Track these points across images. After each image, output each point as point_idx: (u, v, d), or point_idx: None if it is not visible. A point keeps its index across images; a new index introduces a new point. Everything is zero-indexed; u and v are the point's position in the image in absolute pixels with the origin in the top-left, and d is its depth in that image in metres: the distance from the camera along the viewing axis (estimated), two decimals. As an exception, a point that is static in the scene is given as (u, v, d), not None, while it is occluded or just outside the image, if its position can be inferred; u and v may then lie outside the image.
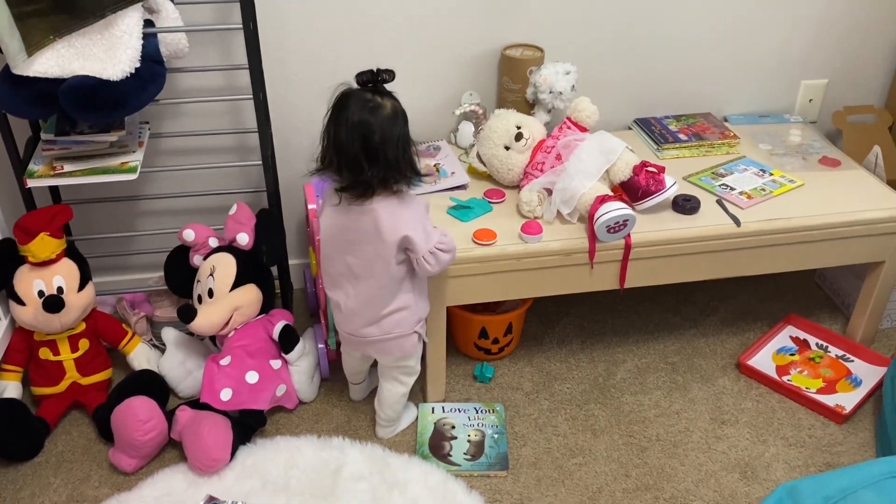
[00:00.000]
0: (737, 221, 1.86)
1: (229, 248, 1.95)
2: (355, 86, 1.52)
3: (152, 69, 1.72)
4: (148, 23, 1.70)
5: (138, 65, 1.65)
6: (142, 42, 1.65)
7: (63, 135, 1.82)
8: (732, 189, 1.98)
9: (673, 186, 1.83)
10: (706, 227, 1.84)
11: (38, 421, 1.82)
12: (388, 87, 1.54)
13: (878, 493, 1.22)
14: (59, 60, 1.61)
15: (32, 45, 1.58)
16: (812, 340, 2.13)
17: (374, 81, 1.50)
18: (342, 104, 1.50)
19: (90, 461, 1.81)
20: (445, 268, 1.64)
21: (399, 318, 1.65)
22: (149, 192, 2.13)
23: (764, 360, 2.07)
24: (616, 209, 1.72)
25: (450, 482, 1.74)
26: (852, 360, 2.06)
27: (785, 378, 2.01)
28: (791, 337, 2.15)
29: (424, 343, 1.77)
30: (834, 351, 2.10)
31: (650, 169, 1.83)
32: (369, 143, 1.48)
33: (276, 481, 1.73)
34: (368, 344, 1.70)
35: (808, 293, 2.35)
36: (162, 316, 2.11)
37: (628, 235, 1.79)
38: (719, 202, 1.93)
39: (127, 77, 1.65)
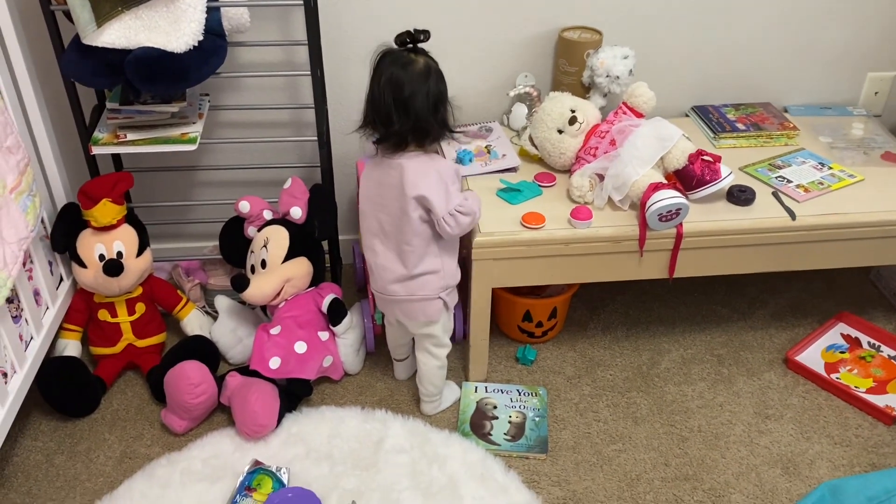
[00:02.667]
0: (792, 215, 1.83)
1: (283, 221, 1.99)
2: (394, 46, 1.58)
3: (214, 42, 1.76)
4: (211, -3, 1.73)
5: (201, 38, 1.69)
6: (205, 16, 1.68)
7: (127, 104, 1.87)
8: (789, 182, 1.94)
9: (729, 177, 1.80)
10: (760, 220, 1.81)
11: (95, 379, 1.90)
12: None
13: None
14: (126, 32, 1.66)
15: (102, 17, 1.62)
16: (864, 339, 2.09)
17: (411, 41, 1.55)
18: (379, 62, 1.57)
19: (143, 420, 1.88)
20: (467, 230, 1.66)
21: (424, 281, 1.68)
22: (206, 163, 2.17)
23: (813, 356, 2.04)
24: (669, 197, 1.70)
25: (488, 460, 1.76)
26: (905, 362, 2.01)
27: (833, 376, 1.97)
28: (842, 334, 2.11)
29: (459, 317, 1.78)
30: (887, 351, 2.05)
31: (706, 158, 1.81)
32: (399, 95, 1.53)
33: (320, 449, 1.77)
34: (395, 303, 1.73)
35: (863, 291, 2.30)
36: (215, 284, 2.17)
37: (680, 224, 1.77)
38: (775, 194, 1.90)
39: (190, 50, 1.69)
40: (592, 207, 1.80)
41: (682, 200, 1.72)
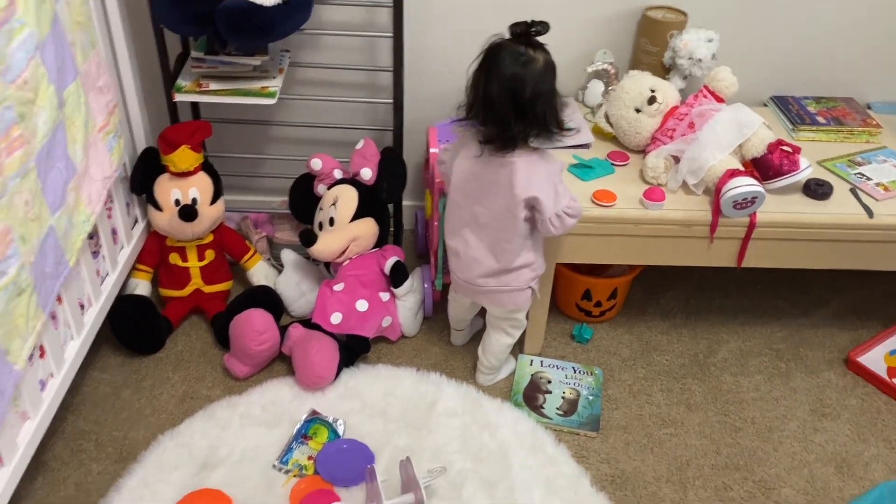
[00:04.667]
0: (870, 213, 1.79)
1: (352, 181, 2.01)
2: (507, 37, 1.51)
3: (304, -4, 1.78)
4: (303, -48, 1.75)
5: (290, -7, 1.71)
6: (296, -30, 1.71)
7: (212, 55, 1.91)
8: (869, 179, 1.89)
9: (807, 169, 1.77)
10: (836, 215, 1.78)
11: (162, 319, 1.96)
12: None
13: None
14: (218, -18, 1.68)
15: (197, -35, 1.65)
16: (931, 346, 2.04)
17: (528, 34, 1.48)
18: (494, 57, 1.48)
19: (206, 363, 1.94)
20: (568, 230, 1.64)
21: (518, 274, 1.67)
22: (280, 118, 2.21)
23: (875, 358, 2.00)
24: (746, 185, 1.68)
25: (539, 432, 1.78)
26: (973, 373, 1.97)
27: (896, 380, 1.94)
28: (908, 338, 2.06)
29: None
30: (953, 361, 2.00)
31: (785, 148, 1.78)
32: (520, 97, 1.47)
33: (375, 406, 1.81)
34: (483, 293, 1.73)
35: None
36: (281, 238, 2.21)
37: (754, 213, 1.74)
38: (853, 191, 1.85)
39: (278, 4, 1.71)
40: (666, 189, 1.79)
41: (760, 189, 1.69)
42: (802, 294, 2.24)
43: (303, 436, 1.71)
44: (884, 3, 2.07)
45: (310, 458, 1.67)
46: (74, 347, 1.66)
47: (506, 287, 1.69)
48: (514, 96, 1.47)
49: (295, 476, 1.64)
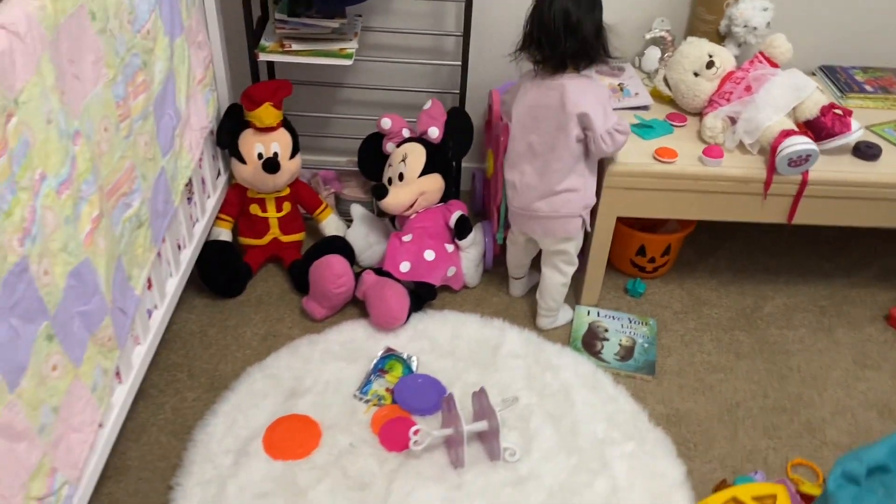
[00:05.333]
0: (917, 174, 1.88)
1: (420, 139, 2.14)
2: None
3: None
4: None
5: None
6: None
7: (294, 16, 2.03)
8: (916, 143, 1.99)
9: (859, 131, 1.87)
10: (885, 174, 1.88)
11: (243, 265, 2.10)
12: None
13: None
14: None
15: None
16: (969, 306, 2.14)
17: None
18: None
19: (284, 306, 2.08)
20: (619, 149, 1.78)
21: (567, 198, 1.81)
22: (350, 81, 2.33)
23: (916, 316, 2.10)
24: (802, 143, 1.78)
25: (598, 374, 1.90)
26: None
27: (936, 336, 2.04)
28: (948, 300, 2.16)
29: (587, 233, 1.91)
30: None
31: (837, 111, 1.88)
32: (569, 20, 1.67)
33: (443, 346, 1.94)
34: (536, 220, 1.86)
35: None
36: (349, 195, 2.34)
37: (807, 171, 1.85)
38: (901, 154, 1.95)
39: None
40: (724, 148, 1.89)
41: (814, 147, 1.80)
42: (845, 256, 2.34)
43: (380, 370, 1.85)
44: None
45: (387, 389, 1.81)
46: (174, 283, 1.80)
47: (557, 213, 1.83)
48: (565, 19, 1.67)
49: (374, 405, 1.77)
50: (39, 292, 1.12)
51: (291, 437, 1.68)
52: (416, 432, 1.65)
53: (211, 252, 2.03)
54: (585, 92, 1.72)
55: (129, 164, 1.43)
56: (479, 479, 1.62)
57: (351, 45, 2.07)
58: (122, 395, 1.54)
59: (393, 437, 1.69)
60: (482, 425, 1.66)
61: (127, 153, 1.44)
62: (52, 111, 1.15)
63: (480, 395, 1.70)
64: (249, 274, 2.12)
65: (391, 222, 2.21)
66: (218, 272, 2.05)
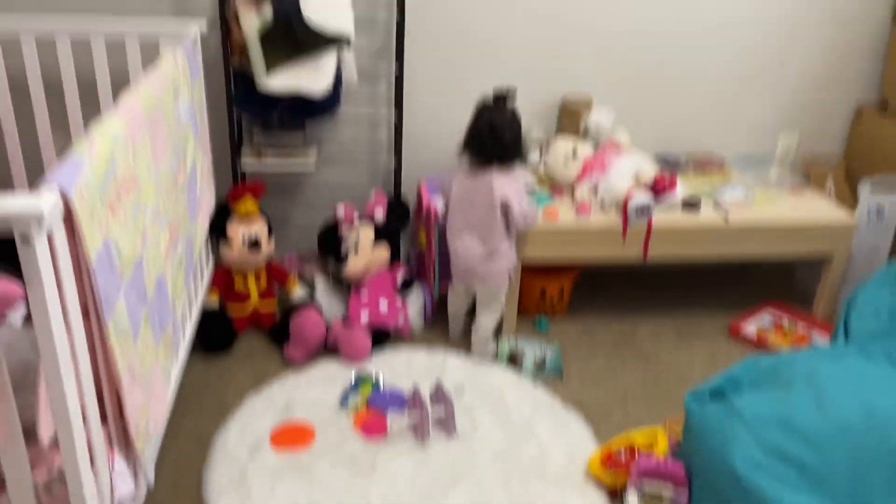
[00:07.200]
0: (726, 219, 2.67)
1: (368, 221, 2.77)
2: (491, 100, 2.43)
3: (338, 90, 2.60)
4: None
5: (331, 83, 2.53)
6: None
7: (267, 129, 2.69)
8: (724, 199, 2.79)
9: (682, 191, 2.66)
10: (705, 219, 2.66)
11: (232, 327, 2.61)
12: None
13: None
14: (286, 80, 2.49)
15: (271, 67, 2.47)
16: (784, 319, 2.90)
17: (503, 97, 2.40)
18: (482, 109, 2.40)
19: (267, 357, 2.58)
20: (530, 227, 2.45)
21: (500, 258, 2.45)
22: (306, 182, 2.97)
23: (749, 330, 2.83)
24: (643, 197, 2.54)
25: (521, 380, 2.49)
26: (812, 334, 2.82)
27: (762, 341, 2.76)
28: (770, 314, 2.91)
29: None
30: (801, 327, 2.85)
31: (666, 178, 2.66)
32: (495, 131, 2.35)
33: (400, 371, 2.49)
34: (477, 276, 2.48)
35: (784, 287, 3.13)
36: (310, 271, 2.92)
37: (650, 219, 2.60)
38: (714, 204, 2.75)
39: (329, 93, 2.52)
40: (591, 207, 2.63)
41: (651, 200, 2.56)
42: (695, 289, 3.09)
43: (355, 388, 2.37)
44: (728, 87, 3.07)
45: (363, 400, 2.32)
46: (184, 347, 2.29)
47: (491, 271, 2.45)
48: (491, 130, 2.34)
49: (354, 411, 2.28)
50: (145, 283, 1.65)
51: (292, 435, 2.16)
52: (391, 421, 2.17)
53: (208, 318, 2.54)
54: (508, 184, 2.38)
55: (178, 217, 2.00)
56: (440, 449, 2.14)
57: (311, 154, 2.73)
58: (168, 396, 1.99)
59: (372, 428, 2.19)
60: (440, 407, 2.20)
61: (178, 209, 2.00)
62: (149, 165, 1.73)
63: (437, 387, 2.25)
64: (236, 335, 2.63)
65: (347, 287, 2.79)
66: (212, 332, 2.55)
